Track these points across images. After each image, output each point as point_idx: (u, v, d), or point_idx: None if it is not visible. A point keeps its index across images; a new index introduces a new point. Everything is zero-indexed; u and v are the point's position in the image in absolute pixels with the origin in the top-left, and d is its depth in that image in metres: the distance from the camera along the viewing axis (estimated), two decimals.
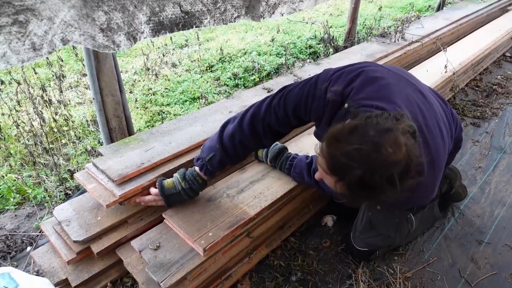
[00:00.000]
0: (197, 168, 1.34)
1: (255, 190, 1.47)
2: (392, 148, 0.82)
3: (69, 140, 2.13)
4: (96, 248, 1.33)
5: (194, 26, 1.40)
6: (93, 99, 1.72)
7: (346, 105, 1.04)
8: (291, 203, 1.59)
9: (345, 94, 1.08)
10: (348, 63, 1.24)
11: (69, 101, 2.46)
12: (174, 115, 2.61)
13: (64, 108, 2.05)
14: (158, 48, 3.85)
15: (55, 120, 1.94)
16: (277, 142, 1.61)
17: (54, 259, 1.39)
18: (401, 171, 0.83)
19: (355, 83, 1.08)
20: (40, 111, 1.90)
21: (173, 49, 3.87)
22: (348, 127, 0.87)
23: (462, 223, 1.73)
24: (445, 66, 2.66)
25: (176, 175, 1.35)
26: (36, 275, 1.41)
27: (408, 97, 1.08)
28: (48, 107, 2.01)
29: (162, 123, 2.22)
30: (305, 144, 1.81)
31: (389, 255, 1.58)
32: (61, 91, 1.95)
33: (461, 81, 2.95)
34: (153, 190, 1.34)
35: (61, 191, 1.80)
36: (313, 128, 1.95)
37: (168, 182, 1.34)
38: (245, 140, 1.30)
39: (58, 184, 1.84)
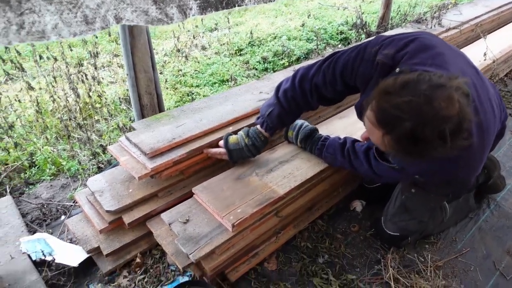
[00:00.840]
0: (258, 126, 1.41)
1: (284, 170, 1.45)
2: (445, 102, 0.80)
3: (101, 116, 2.16)
4: (127, 218, 1.34)
5: (236, 5, 1.38)
6: (127, 75, 1.72)
7: (397, 69, 1.00)
8: (320, 185, 1.56)
9: (397, 58, 1.04)
10: None
11: (102, 78, 2.49)
12: (204, 96, 2.60)
13: (98, 85, 2.08)
14: (188, 31, 3.85)
15: (89, 96, 1.97)
16: (308, 123, 1.58)
17: (87, 228, 1.42)
18: (453, 127, 0.81)
19: (408, 48, 1.05)
20: (75, 86, 1.93)
21: (203, 32, 3.86)
22: (400, 81, 0.85)
23: (498, 215, 1.65)
24: (485, 54, 2.52)
25: (240, 132, 1.42)
26: (69, 242, 1.44)
27: (462, 70, 1.05)
28: (83, 83, 2.04)
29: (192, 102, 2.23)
30: (336, 127, 1.77)
31: (420, 243, 1.53)
32: (96, 68, 1.98)
33: (501, 70, 2.80)
34: (220, 142, 1.41)
35: (94, 165, 1.83)
36: (344, 112, 1.95)
37: (233, 137, 1.41)
38: (296, 97, 1.33)
39: (90, 157, 1.87)
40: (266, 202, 1.29)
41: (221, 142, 1.42)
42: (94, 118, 2.15)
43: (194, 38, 3.55)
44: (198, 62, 3.10)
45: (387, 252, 1.48)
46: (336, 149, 1.42)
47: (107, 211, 1.34)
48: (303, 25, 3.90)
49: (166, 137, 1.43)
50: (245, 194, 1.31)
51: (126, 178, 1.47)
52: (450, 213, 1.49)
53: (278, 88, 1.40)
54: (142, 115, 1.81)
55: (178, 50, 3.25)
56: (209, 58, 3.19)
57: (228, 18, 4.14)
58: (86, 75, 1.93)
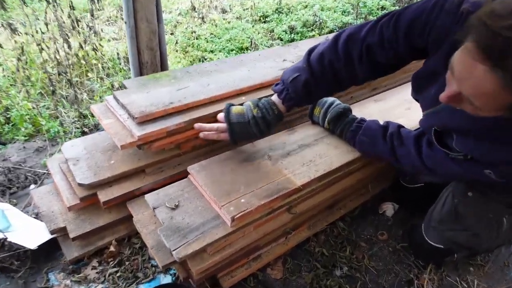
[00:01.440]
0: (274, 97, 1.20)
1: (304, 156, 1.24)
2: None
3: (97, 75, 1.97)
4: (104, 196, 1.15)
5: None
6: (125, 22, 1.52)
7: None
8: (346, 179, 1.34)
9: None
10: None
11: (102, 30, 2.28)
12: None
13: (95, 36, 1.88)
14: None
15: (81, 47, 1.77)
16: (339, 101, 1.37)
17: (55, 202, 1.24)
18: None
19: None
20: (67, 35, 1.73)
21: None
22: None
23: None
24: None
25: (248, 102, 1.20)
26: (34, 217, 1.27)
27: None
28: (78, 33, 1.84)
29: None
30: (371, 110, 1.53)
31: (463, 264, 1.30)
32: (92, 15, 1.77)
33: None
34: (219, 116, 1.20)
35: (78, 128, 1.65)
36: (380, 94, 1.72)
37: (237, 108, 1.20)
38: (336, 62, 1.11)
39: (76, 119, 1.69)
40: (278, 193, 1.08)
41: (221, 115, 1.20)
42: (87, 76, 1.96)
43: None
44: (216, 26, 2.87)
45: (423, 272, 1.26)
46: (376, 132, 1.20)
47: (80, 184, 1.14)
48: None
49: (163, 100, 1.23)
50: (253, 181, 1.10)
51: (110, 146, 1.29)
52: (506, 228, 1.25)
53: (310, 51, 1.17)
54: (141, 75, 1.63)
55: (194, 9, 3.02)
56: (228, 22, 2.96)
57: None
58: (78, 20, 1.72)
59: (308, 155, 1.25)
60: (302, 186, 1.14)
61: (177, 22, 2.90)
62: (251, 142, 1.28)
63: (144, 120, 1.17)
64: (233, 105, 1.22)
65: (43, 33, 1.87)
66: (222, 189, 1.07)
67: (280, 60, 1.61)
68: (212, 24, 2.91)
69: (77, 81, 1.93)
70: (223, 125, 1.18)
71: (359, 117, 1.31)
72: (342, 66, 1.11)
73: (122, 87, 1.30)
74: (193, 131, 1.23)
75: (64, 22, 1.86)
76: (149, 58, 1.62)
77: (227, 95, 1.32)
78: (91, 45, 1.90)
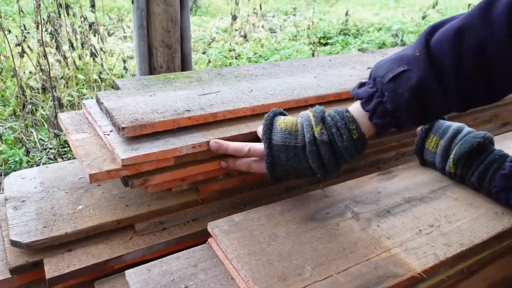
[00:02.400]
0: (355, 106, 0.83)
1: (417, 217, 0.83)
2: None
3: (89, 85, 1.69)
4: (52, 269, 0.75)
5: None
6: (132, 2, 1.21)
7: None
8: (497, 263, 0.89)
9: None
10: None
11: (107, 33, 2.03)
12: None
13: (95, 36, 1.59)
14: (254, 11, 3.40)
15: (72, 46, 1.49)
16: (469, 128, 0.98)
17: None
18: None
19: None
20: (55, 29, 1.45)
21: (273, 16, 3.41)
22: None
23: None
24: None
25: (306, 113, 0.84)
26: None
27: None
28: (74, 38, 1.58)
29: None
30: None
31: None
32: (93, 5, 1.49)
33: None
34: (258, 130, 0.89)
35: (52, 159, 1.31)
36: None
37: (286, 119, 0.84)
38: (492, 43, 0.72)
39: (52, 147, 1.35)
40: (378, 284, 0.66)
41: (259, 129, 0.88)
42: (82, 92, 1.66)
43: (258, 15, 3.07)
44: (262, 46, 2.58)
45: None
46: None
47: (13, 243, 0.75)
48: (424, 17, 3.30)
49: (175, 106, 0.90)
50: (327, 257, 0.70)
51: (82, 182, 0.94)
52: None
53: (431, 31, 0.79)
54: None
55: (236, 30, 2.78)
56: (278, 43, 2.67)
57: (314, 7, 3.65)
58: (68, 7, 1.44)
59: (424, 217, 0.84)
60: (424, 273, 0.71)
61: (212, 39, 2.64)
62: (317, 184, 0.96)
63: (138, 135, 0.81)
64: (282, 114, 0.87)
65: (26, 30, 1.62)
66: (270, 269, 0.66)
67: (363, 68, 1.29)
68: (257, 43, 2.63)
69: (69, 101, 1.64)
70: (258, 147, 0.84)
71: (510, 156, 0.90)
72: (506, 46, 0.71)
73: (113, 87, 1.00)
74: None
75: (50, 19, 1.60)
76: (165, 60, 1.30)
77: (281, 106, 0.98)
78: (88, 49, 1.62)
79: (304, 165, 0.82)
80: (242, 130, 0.90)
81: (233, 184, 0.96)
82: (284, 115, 0.88)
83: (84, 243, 0.81)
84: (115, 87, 1.01)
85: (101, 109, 0.91)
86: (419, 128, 1.04)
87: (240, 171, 0.90)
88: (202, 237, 0.83)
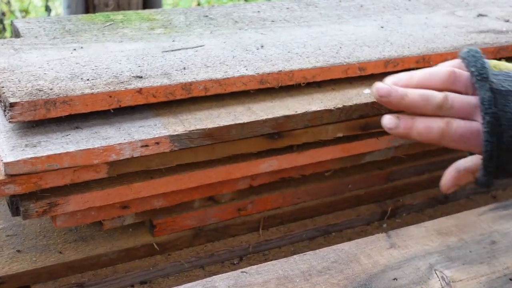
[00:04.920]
0: None
1: None
2: None
3: None
4: None
5: None
6: None
7: None
8: None
9: None
10: None
11: None
12: None
13: None
14: None
15: None
16: None
17: None
18: None
19: None
20: None
21: None
22: None
23: None
24: None
25: None
26: None
27: None
28: None
29: None
30: None
31: None
32: None
33: None
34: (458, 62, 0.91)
35: None
36: None
37: (502, 64, 0.90)
38: None
39: None
40: None
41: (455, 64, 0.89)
42: None
43: None
44: None
45: None
46: None
47: None
48: None
49: (115, 69, 0.88)
50: None
51: None
52: None
53: None
54: None
55: None
56: None
57: None
58: None
59: None
60: None
61: None
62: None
63: (41, 118, 0.76)
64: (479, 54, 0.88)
65: None
66: None
67: (467, 14, 1.36)
68: None
69: None
70: (463, 98, 0.84)
71: None
72: None
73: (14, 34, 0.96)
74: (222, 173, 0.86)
75: None
76: None
77: (316, 74, 0.98)
78: None
79: None
80: (240, 118, 0.81)
81: (220, 216, 0.90)
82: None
83: None
84: (13, 32, 0.96)
85: None
86: None
87: (422, 140, 0.86)
88: None
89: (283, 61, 0.96)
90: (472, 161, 0.86)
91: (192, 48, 0.99)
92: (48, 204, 0.75)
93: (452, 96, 0.82)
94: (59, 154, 0.72)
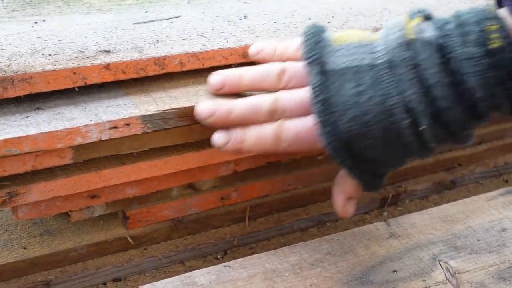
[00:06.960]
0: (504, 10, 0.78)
1: None
2: None
3: None
4: None
5: None
6: None
7: None
8: None
9: None
10: None
11: None
12: None
13: None
14: None
15: None
16: None
17: None
18: None
19: None
20: None
21: None
22: None
23: None
24: None
25: (402, 18, 0.81)
26: None
27: None
28: None
29: None
30: None
31: None
32: None
33: None
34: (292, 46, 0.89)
35: None
36: None
37: (347, 33, 0.84)
38: None
39: None
40: None
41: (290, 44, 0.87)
42: None
43: None
44: None
45: None
46: None
47: None
48: None
49: (80, 42, 0.89)
50: None
51: None
52: None
53: None
54: None
55: None
56: None
57: None
58: None
59: None
60: None
61: None
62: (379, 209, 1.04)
63: None
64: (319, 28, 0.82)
65: None
66: None
67: None
68: None
69: None
70: (298, 95, 0.80)
71: None
72: None
73: None
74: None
75: None
76: None
77: None
78: None
79: (390, 105, 0.72)
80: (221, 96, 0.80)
81: (201, 206, 0.89)
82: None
83: None
84: None
85: None
86: None
87: (259, 151, 0.83)
88: None
89: (269, 33, 0.97)
90: (342, 179, 0.82)
91: (167, 19, 1.00)
92: (7, 194, 0.74)
93: (283, 96, 0.80)
94: (18, 137, 0.71)
